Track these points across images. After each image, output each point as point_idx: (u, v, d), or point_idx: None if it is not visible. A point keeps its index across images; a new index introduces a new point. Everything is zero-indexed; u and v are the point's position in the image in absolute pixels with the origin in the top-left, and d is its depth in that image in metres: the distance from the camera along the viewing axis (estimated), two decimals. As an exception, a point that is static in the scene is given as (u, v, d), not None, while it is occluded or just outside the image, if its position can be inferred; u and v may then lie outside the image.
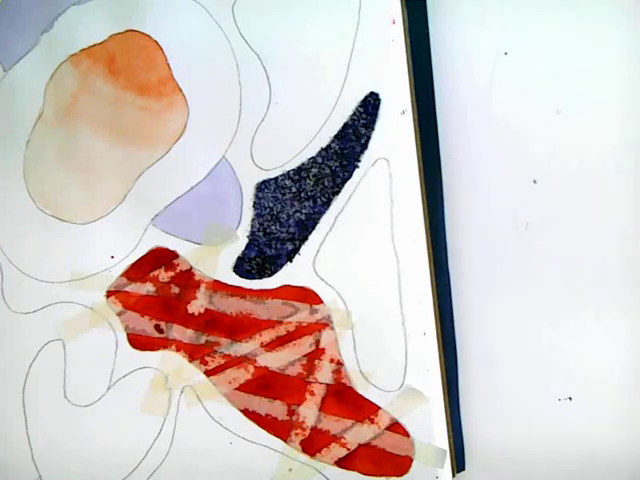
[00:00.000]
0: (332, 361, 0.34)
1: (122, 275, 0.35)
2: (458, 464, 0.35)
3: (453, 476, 0.35)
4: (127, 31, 0.33)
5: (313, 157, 0.33)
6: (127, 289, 0.35)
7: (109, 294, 0.35)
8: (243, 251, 0.34)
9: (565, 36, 0.34)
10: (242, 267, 0.34)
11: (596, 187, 0.35)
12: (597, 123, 0.34)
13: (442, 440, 0.34)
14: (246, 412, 0.35)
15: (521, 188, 0.35)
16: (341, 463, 0.34)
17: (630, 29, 0.34)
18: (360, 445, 0.34)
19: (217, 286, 0.34)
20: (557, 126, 0.34)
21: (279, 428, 0.34)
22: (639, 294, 0.35)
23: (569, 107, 0.34)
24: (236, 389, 0.34)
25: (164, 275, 0.34)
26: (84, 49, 0.34)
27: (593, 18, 0.34)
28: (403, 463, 0.34)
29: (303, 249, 0.34)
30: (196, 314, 0.34)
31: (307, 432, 0.34)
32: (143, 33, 0.33)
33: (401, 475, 0.34)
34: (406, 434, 0.33)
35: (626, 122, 0.34)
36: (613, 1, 0.33)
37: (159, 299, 0.35)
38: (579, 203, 0.35)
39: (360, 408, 0.34)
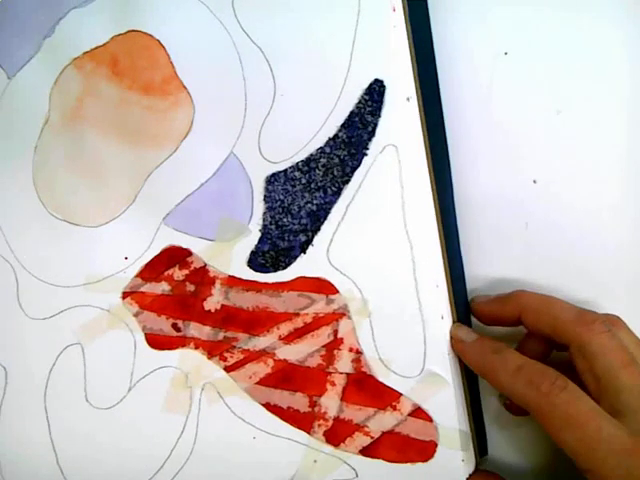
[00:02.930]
0: (351, 350, 0.35)
1: (137, 276, 0.36)
2: (480, 449, 0.36)
3: (477, 460, 0.36)
4: (129, 31, 0.34)
5: (321, 147, 0.34)
6: (142, 289, 0.36)
7: (125, 295, 0.36)
8: (256, 245, 0.35)
9: (565, 36, 0.35)
10: (256, 261, 0.35)
11: (596, 187, 0.36)
12: (597, 123, 0.35)
13: (464, 424, 0.35)
14: (268, 406, 0.36)
15: (521, 188, 0.36)
16: (365, 452, 0.35)
17: (630, 29, 0.34)
18: (384, 433, 0.35)
19: (232, 281, 0.35)
20: (557, 126, 0.35)
21: (302, 420, 0.35)
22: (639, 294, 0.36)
23: (569, 107, 0.35)
24: (257, 383, 0.36)
25: (179, 273, 0.36)
26: (87, 52, 0.35)
27: (593, 18, 0.34)
28: (428, 448, 0.35)
29: (316, 240, 0.35)
30: (213, 311, 0.36)
31: (330, 423, 0.35)
32: (145, 33, 0.34)
33: (426, 460, 0.35)
34: (429, 419, 0.34)
35: (626, 122, 0.35)
36: (613, 1, 0.34)
37: (175, 298, 0.36)
38: (579, 203, 0.36)
39: (381, 396, 0.35)
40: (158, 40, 0.34)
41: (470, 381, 0.35)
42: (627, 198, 0.35)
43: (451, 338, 0.34)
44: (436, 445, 0.35)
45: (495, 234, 0.36)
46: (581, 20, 0.34)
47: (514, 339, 0.35)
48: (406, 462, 0.35)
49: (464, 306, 0.36)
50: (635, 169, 0.35)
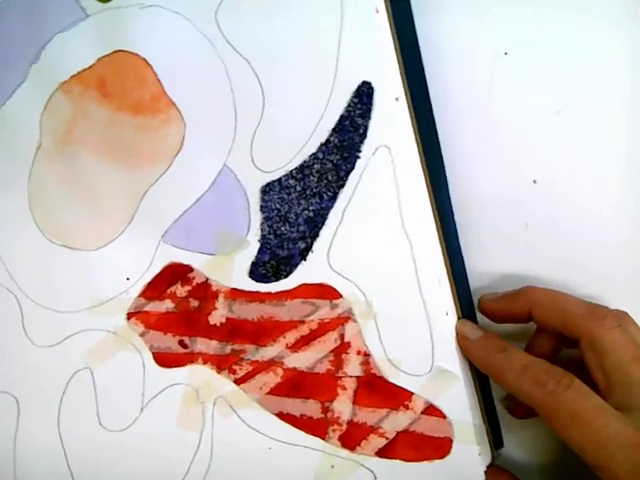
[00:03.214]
0: (359, 353, 0.35)
1: (140, 295, 0.36)
2: (496, 441, 0.36)
3: (493, 453, 0.36)
4: (114, 52, 0.34)
5: (314, 153, 0.34)
6: (147, 309, 0.36)
7: (129, 316, 0.36)
8: (256, 256, 0.35)
9: (565, 36, 0.35)
10: (257, 272, 0.35)
11: (596, 187, 0.36)
12: (597, 123, 0.35)
13: (478, 417, 0.35)
14: (281, 415, 0.36)
15: (521, 188, 0.36)
16: (382, 453, 0.35)
17: (630, 29, 0.35)
18: (398, 433, 0.35)
19: (235, 294, 0.35)
20: (557, 126, 0.36)
21: (315, 427, 0.36)
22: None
23: (569, 107, 0.35)
24: (268, 394, 0.36)
25: (181, 290, 0.36)
26: (74, 75, 0.35)
27: (593, 18, 0.35)
28: (443, 445, 0.35)
29: (316, 246, 0.35)
30: (218, 324, 0.36)
31: (344, 427, 0.35)
32: (131, 52, 0.34)
33: (443, 457, 0.35)
34: (442, 416, 0.35)
35: (626, 122, 0.35)
36: (613, 1, 0.35)
37: (179, 314, 0.36)
38: (579, 203, 0.36)
39: (393, 396, 0.35)
40: (144, 59, 0.34)
41: (480, 375, 0.36)
42: (627, 198, 0.36)
43: (457, 335, 0.34)
44: (451, 441, 0.35)
45: (495, 234, 0.37)
46: (581, 20, 0.35)
47: (522, 338, 0.35)
48: (423, 460, 0.35)
49: (468, 302, 0.36)
50: (635, 169, 0.36)
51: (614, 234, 0.36)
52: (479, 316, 0.36)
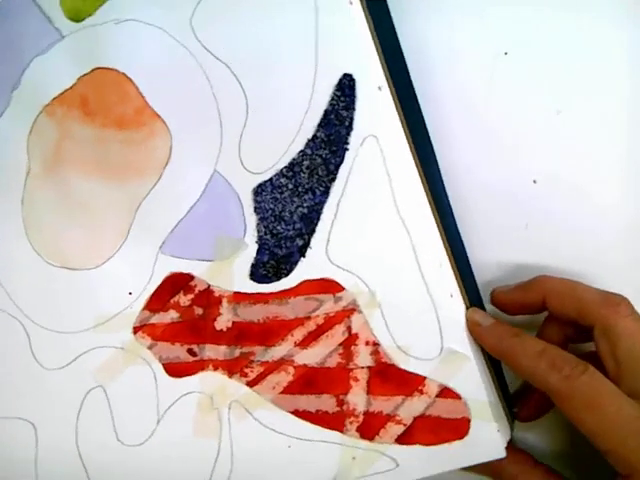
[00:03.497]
0: (368, 343, 0.35)
1: (144, 309, 0.36)
2: (513, 417, 0.36)
3: (512, 429, 0.36)
4: (94, 70, 0.34)
5: (302, 150, 0.34)
6: (152, 321, 0.36)
7: (136, 330, 0.36)
8: (255, 257, 0.35)
9: (565, 36, 0.35)
10: (258, 273, 0.35)
11: (596, 187, 0.36)
12: (597, 123, 0.36)
13: (493, 394, 0.35)
14: (296, 413, 0.36)
15: (521, 188, 0.36)
16: (401, 440, 0.35)
17: (630, 29, 0.35)
18: (415, 418, 0.35)
19: (238, 297, 0.36)
20: (557, 126, 0.36)
21: (332, 421, 0.36)
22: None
23: (569, 107, 0.36)
24: (281, 393, 0.36)
25: (184, 299, 0.36)
26: (56, 97, 0.35)
27: (593, 18, 0.35)
28: (461, 425, 0.35)
29: (313, 242, 0.35)
30: (224, 329, 0.36)
31: (361, 418, 0.36)
32: (110, 68, 0.34)
33: (462, 437, 0.35)
34: (457, 397, 0.35)
35: (626, 122, 0.36)
36: (613, 1, 0.35)
37: (185, 323, 0.36)
38: (579, 203, 0.36)
39: (406, 382, 0.35)
40: (124, 73, 0.34)
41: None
42: (627, 198, 0.36)
43: (467, 322, 0.35)
44: (469, 421, 0.35)
45: (496, 234, 0.37)
46: (581, 20, 0.35)
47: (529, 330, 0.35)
48: (443, 443, 0.35)
49: (471, 283, 0.36)
50: (635, 169, 0.36)
51: (614, 234, 0.36)
52: (488, 308, 0.36)
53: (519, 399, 0.37)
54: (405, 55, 0.35)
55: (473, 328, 0.35)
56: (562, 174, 0.36)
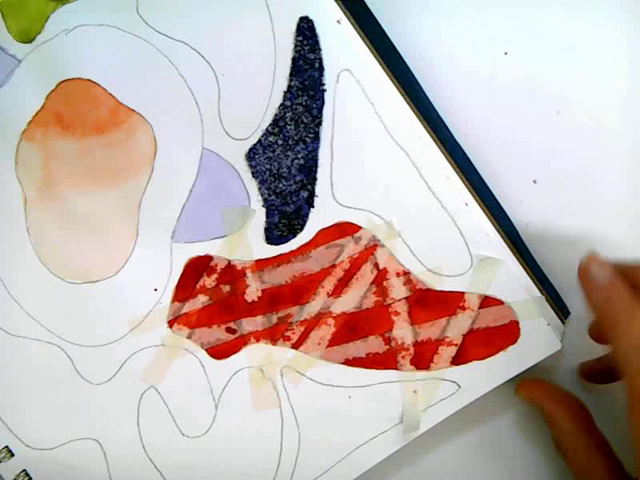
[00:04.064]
0: (399, 275, 0.35)
1: (173, 301, 0.36)
2: (562, 310, 0.36)
3: (563, 322, 0.36)
4: (59, 84, 0.35)
5: (282, 103, 0.34)
6: (184, 310, 0.36)
7: (171, 323, 0.36)
8: (266, 221, 0.35)
9: (565, 36, 0.35)
10: (273, 235, 0.35)
11: (596, 187, 0.36)
12: (597, 123, 0.36)
13: (534, 290, 0.35)
14: (347, 362, 0.36)
15: (521, 188, 0.36)
16: (457, 361, 0.36)
17: (630, 29, 0.35)
18: (465, 335, 0.35)
19: (261, 265, 0.36)
20: (557, 126, 0.36)
21: (385, 360, 0.36)
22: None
23: (569, 107, 0.36)
24: (328, 347, 0.36)
25: (209, 281, 0.36)
26: (30, 121, 0.35)
27: (593, 18, 0.35)
28: (512, 329, 0.35)
29: (318, 189, 0.35)
30: (256, 299, 0.36)
31: (411, 350, 0.36)
32: (74, 78, 0.35)
33: (516, 341, 0.35)
34: (500, 302, 0.35)
35: (626, 122, 0.36)
36: (613, 1, 0.35)
37: (217, 304, 0.36)
38: (579, 203, 0.36)
39: (446, 302, 0.35)
40: (89, 79, 0.34)
41: (522, 250, 0.36)
42: (627, 197, 0.36)
43: (580, 271, 0.31)
44: (517, 323, 0.35)
45: None
46: (581, 20, 0.35)
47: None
48: (498, 352, 0.35)
49: (485, 191, 0.36)
50: (635, 169, 0.36)
51: (614, 234, 0.36)
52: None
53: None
54: (404, 56, 0.35)
55: (584, 281, 0.31)
56: (562, 174, 0.36)
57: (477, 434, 0.38)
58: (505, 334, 0.35)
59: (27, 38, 0.35)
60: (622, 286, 0.30)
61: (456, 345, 0.35)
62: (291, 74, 0.34)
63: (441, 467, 0.39)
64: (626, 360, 0.29)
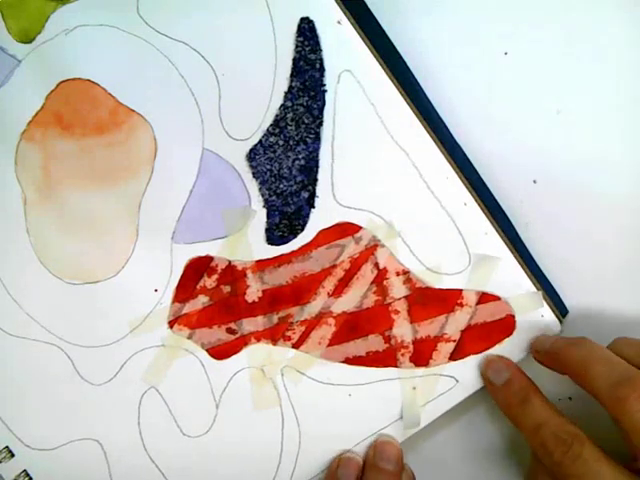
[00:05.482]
0: (398, 274, 0.36)
1: (173, 301, 0.37)
2: (558, 306, 0.37)
3: (559, 320, 0.36)
4: (59, 84, 0.35)
5: (282, 104, 0.35)
6: (184, 311, 0.37)
7: (171, 324, 0.37)
8: (267, 221, 0.36)
9: (565, 36, 0.35)
10: (274, 236, 0.36)
11: (596, 187, 0.37)
12: (597, 123, 0.36)
13: (528, 284, 0.36)
14: (348, 361, 0.37)
15: (521, 188, 0.37)
16: (454, 356, 0.36)
17: (631, 29, 0.35)
18: (462, 331, 0.36)
19: (261, 265, 0.36)
20: (557, 126, 0.36)
21: (385, 358, 0.37)
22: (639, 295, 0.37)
23: (569, 107, 0.36)
24: (328, 346, 0.37)
25: (210, 281, 0.36)
26: (30, 121, 0.35)
27: (593, 18, 0.35)
28: (507, 323, 0.36)
29: (319, 190, 0.36)
30: (256, 300, 0.36)
31: (411, 348, 0.36)
32: (74, 78, 0.35)
33: (511, 333, 0.36)
34: (496, 298, 0.36)
35: (626, 122, 0.36)
36: (613, 1, 0.35)
37: (217, 305, 0.37)
38: (579, 203, 0.37)
39: (445, 300, 0.36)
40: (89, 79, 0.35)
41: (521, 249, 0.37)
42: (627, 198, 0.37)
43: (481, 375, 0.36)
44: (513, 316, 0.36)
45: None
46: (581, 20, 0.35)
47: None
48: (494, 345, 0.36)
49: (485, 190, 0.37)
50: (635, 169, 0.36)
51: (614, 234, 0.37)
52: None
53: None
54: (404, 56, 0.35)
55: (486, 384, 0.36)
56: (562, 174, 0.37)
57: (474, 427, 0.39)
58: (501, 327, 0.36)
59: (27, 38, 0.35)
60: (518, 380, 0.35)
61: (454, 341, 0.36)
62: (292, 74, 0.35)
63: (439, 461, 0.40)
64: (531, 446, 0.33)
